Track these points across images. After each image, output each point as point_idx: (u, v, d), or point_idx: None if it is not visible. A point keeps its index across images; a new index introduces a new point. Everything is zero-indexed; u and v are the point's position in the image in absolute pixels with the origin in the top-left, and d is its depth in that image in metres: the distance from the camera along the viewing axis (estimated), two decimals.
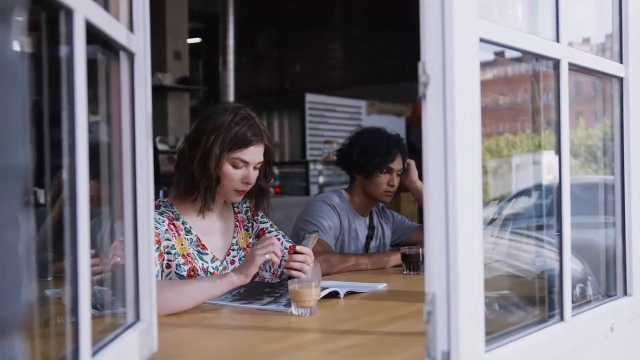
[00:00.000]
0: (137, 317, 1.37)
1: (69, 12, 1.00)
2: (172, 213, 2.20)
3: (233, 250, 2.31)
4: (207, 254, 2.22)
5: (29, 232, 0.61)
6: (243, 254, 2.32)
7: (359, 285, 2.27)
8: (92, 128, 1.10)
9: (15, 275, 0.57)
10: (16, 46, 0.59)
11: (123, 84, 1.35)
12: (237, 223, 2.36)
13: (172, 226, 2.16)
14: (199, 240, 2.21)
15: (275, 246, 2.00)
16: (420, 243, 2.93)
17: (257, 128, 2.20)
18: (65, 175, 1.02)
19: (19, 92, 0.58)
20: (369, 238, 3.11)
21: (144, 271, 1.38)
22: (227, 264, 2.27)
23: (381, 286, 2.33)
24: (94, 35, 1.12)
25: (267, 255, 1.97)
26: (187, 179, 2.19)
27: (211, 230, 2.27)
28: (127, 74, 1.36)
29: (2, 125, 0.56)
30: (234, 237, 2.32)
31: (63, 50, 1.03)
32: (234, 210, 2.38)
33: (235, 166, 2.18)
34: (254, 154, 2.19)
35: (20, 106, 0.58)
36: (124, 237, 1.37)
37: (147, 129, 1.39)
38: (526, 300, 1.73)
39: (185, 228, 2.20)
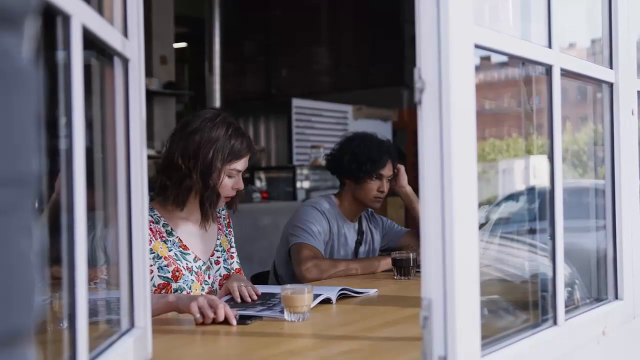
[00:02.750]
0: (132, 324, 1.36)
1: (66, 18, 1.00)
2: (152, 216, 2.23)
3: (217, 251, 2.38)
4: (189, 254, 2.26)
5: (41, 240, 0.61)
6: (226, 255, 2.40)
7: (351, 288, 2.27)
8: (85, 133, 1.10)
9: (28, 284, 0.57)
10: (28, 54, 0.59)
11: (117, 89, 1.34)
12: (220, 226, 2.43)
13: (149, 230, 2.18)
14: (181, 241, 2.26)
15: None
16: (409, 248, 2.93)
17: (248, 139, 2.30)
18: (62, 181, 1.01)
19: (32, 100, 0.58)
20: (358, 243, 3.11)
21: (138, 278, 1.38)
22: (211, 263, 2.33)
23: (372, 291, 2.33)
24: (89, 41, 1.12)
25: (197, 316, 1.81)
26: (185, 191, 2.22)
27: (194, 233, 2.31)
28: (122, 79, 1.35)
29: (15, 133, 0.55)
30: (217, 239, 2.39)
31: (59, 55, 1.02)
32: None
33: (229, 176, 2.25)
34: (246, 162, 2.30)
35: (32, 114, 0.58)
36: (118, 243, 1.37)
37: (142, 134, 1.39)
38: (517, 304, 1.73)
39: (166, 230, 2.25)
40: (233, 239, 2.49)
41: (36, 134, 0.59)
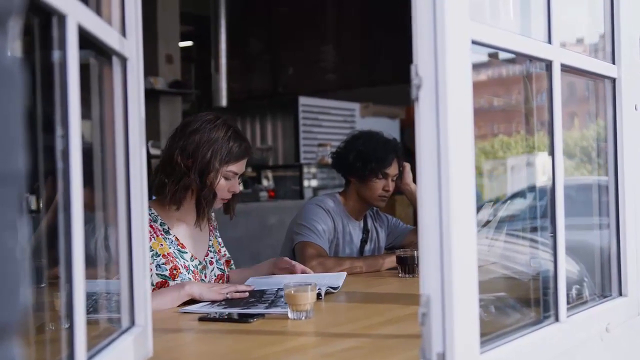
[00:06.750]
0: (132, 322, 1.37)
1: (62, 18, 1.00)
2: (150, 215, 2.26)
3: (211, 251, 2.43)
4: (187, 252, 2.31)
5: (26, 237, 0.61)
6: (218, 257, 2.45)
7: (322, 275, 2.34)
8: (84, 133, 1.10)
9: (14, 280, 0.57)
10: (13, 52, 0.60)
11: (116, 89, 1.35)
12: (211, 228, 2.48)
13: (149, 228, 2.22)
14: (178, 239, 2.30)
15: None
16: (414, 245, 2.93)
17: (247, 142, 2.35)
18: (59, 180, 1.01)
19: (17, 98, 0.58)
20: (364, 242, 3.11)
21: (138, 276, 1.38)
22: (206, 263, 2.39)
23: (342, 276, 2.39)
24: (86, 40, 1.12)
25: (228, 295, 2.10)
26: (182, 190, 2.25)
27: (189, 234, 2.36)
28: (120, 79, 1.35)
29: (0, 130, 0.56)
30: (210, 240, 2.45)
31: (55, 55, 1.02)
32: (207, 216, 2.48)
33: (226, 178, 2.30)
34: (242, 165, 2.34)
35: (18, 112, 0.59)
36: (119, 242, 1.37)
37: (141, 134, 1.39)
38: (521, 301, 1.73)
39: (163, 229, 2.29)
40: (220, 239, 2.53)
41: (22, 132, 0.60)
